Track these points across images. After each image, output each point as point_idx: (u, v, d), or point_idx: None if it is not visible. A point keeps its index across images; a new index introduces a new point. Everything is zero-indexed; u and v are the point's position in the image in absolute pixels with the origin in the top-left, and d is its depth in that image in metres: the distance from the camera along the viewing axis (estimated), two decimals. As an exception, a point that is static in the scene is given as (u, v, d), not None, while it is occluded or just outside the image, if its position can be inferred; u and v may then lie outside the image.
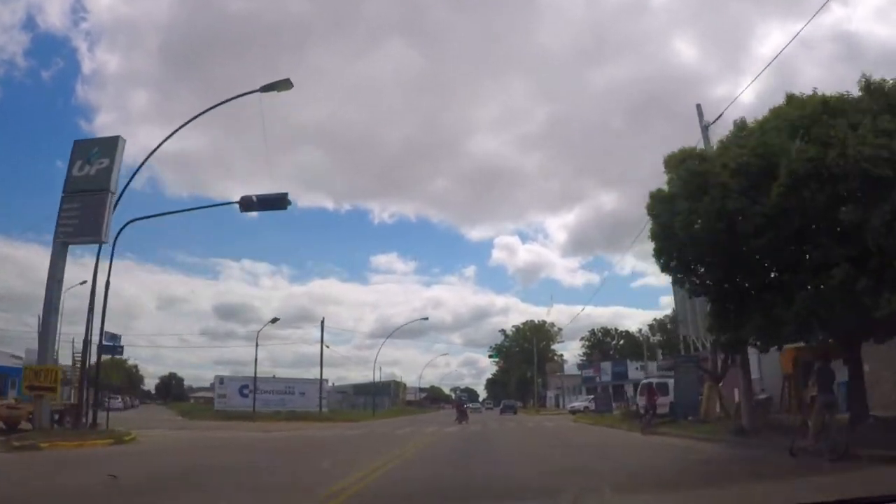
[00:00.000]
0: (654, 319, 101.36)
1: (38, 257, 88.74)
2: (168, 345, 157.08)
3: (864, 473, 9.01)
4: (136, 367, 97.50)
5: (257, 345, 44.00)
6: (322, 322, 49.47)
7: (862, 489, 7.43)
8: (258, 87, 18.22)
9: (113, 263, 20.45)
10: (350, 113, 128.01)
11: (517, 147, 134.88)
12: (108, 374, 36.12)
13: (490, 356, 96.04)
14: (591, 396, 49.64)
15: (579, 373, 75.36)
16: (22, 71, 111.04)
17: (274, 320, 46.73)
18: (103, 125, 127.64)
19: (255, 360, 53.39)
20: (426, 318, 48.71)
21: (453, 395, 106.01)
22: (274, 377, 53.12)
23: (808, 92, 13.33)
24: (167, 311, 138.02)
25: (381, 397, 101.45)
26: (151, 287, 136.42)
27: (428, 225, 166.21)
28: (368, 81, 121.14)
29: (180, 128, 19.65)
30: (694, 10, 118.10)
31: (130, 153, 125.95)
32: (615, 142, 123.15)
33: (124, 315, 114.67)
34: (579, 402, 50.16)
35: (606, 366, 67.59)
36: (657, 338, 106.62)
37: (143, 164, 21.96)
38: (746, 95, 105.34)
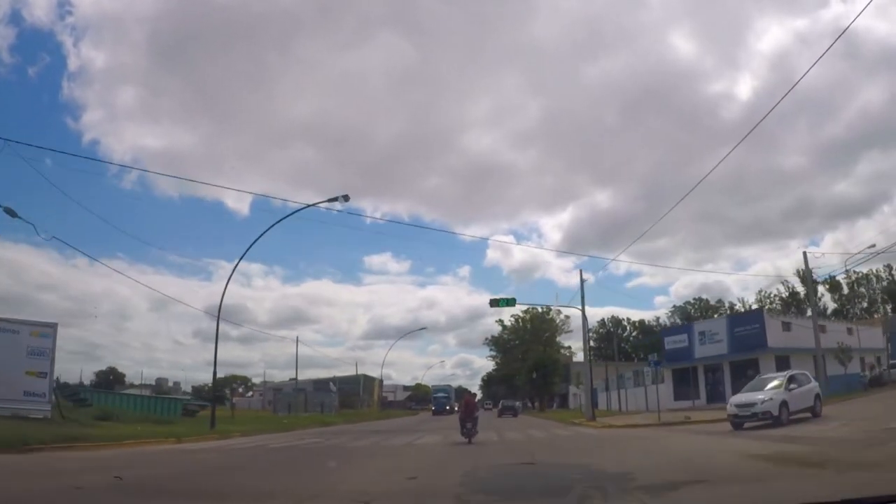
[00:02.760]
0: (674, 306, 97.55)
1: (27, 258, 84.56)
2: (162, 346, 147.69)
3: None
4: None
5: None
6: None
7: None
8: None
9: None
10: (340, 108, 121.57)
11: (511, 144, 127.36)
12: None
13: (499, 319, 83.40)
14: (787, 374, 19.74)
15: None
16: (7, 67, 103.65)
17: None
18: (90, 122, 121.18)
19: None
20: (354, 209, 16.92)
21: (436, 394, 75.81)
22: None
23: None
24: (160, 313, 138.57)
25: (328, 395, 74.40)
26: (143, 288, 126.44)
27: (421, 224, 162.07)
28: (359, 76, 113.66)
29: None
30: (690, 4, 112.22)
31: (119, 151, 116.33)
32: (610, 138, 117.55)
33: (117, 316, 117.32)
34: (761, 394, 18.88)
35: (716, 324, 38.85)
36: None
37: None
38: (744, 93, 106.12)
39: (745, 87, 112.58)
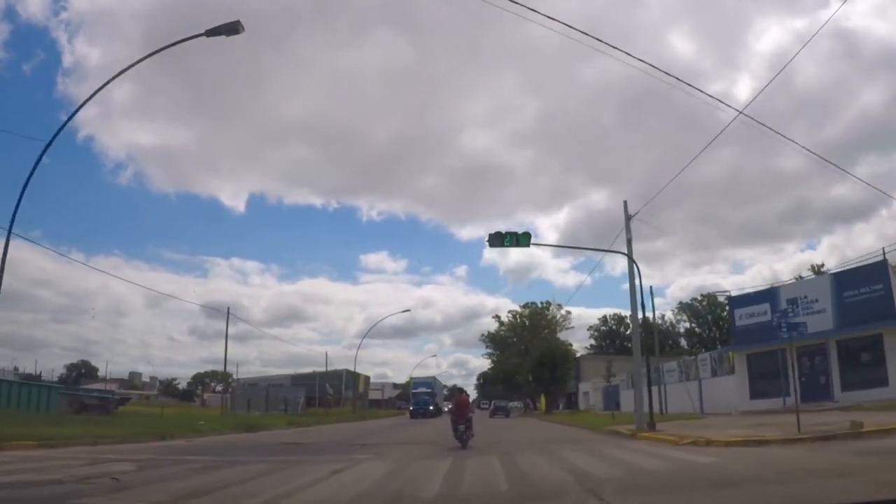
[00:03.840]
0: (680, 302, 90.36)
1: (21, 254, 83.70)
2: (156, 343, 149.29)
3: None
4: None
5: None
6: None
7: None
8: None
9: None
10: (336, 107, 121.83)
11: (508, 144, 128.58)
12: None
13: (496, 315, 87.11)
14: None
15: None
16: (2, 63, 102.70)
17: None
18: (85, 119, 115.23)
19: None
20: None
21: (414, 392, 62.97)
22: None
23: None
24: (155, 309, 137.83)
25: (298, 390, 65.08)
26: (139, 284, 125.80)
27: (417, 223, 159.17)
28: (356, 74, 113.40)
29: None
30: (689, 4, 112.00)
31: (112, 147, 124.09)
32: (608, 138, 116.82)
33: (112, 313, 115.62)
34: None
35: (814, 287, 26.06)
36: (684, 324, 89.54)
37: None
38: (743, 93, 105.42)
39: (743, 88, 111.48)
